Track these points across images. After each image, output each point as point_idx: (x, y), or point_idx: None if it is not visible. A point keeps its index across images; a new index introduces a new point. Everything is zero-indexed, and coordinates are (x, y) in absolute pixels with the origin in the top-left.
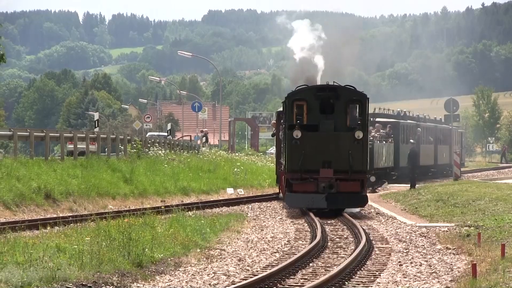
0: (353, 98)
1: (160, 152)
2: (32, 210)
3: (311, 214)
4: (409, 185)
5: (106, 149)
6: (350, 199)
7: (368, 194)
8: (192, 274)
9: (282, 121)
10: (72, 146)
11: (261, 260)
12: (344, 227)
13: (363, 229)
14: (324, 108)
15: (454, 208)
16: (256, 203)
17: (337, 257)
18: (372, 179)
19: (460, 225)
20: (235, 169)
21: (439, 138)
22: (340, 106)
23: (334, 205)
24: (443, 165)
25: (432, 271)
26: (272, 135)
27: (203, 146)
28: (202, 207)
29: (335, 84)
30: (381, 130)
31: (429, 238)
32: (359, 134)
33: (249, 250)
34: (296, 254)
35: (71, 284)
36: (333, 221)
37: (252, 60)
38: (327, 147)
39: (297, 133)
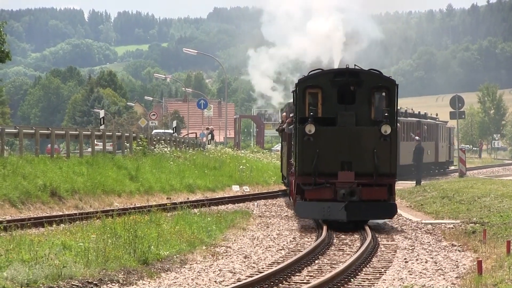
0: (379, 84)
1: (165, 149)
2: (37, 208)
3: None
4: (415, 182)
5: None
6: (375, 209)
7: None
8: (198, 272)
9: (292, 114)
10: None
11: (267, 257)
12: (350, 224)
13: (369, 226)
14: (343, 97)
15: (460, 205)
16: (262, 200)
17: (343, 254)
18: None
19: (465, 222)
20: (241, 167)
21: (422, 134)
22: (363, 94)
23: (356, 216)
24: (428, 164)
25: (438, 268)
26: (277, 130)
27: (208, 144)
28: (207, 204)
29: (356, 67)
30: None
31: (435, 235)
32: (386, 129)
33: (254, 247)
34: (301, 251)
35: (76, 282)
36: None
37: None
38: (347, 145)
39: (310, 128)
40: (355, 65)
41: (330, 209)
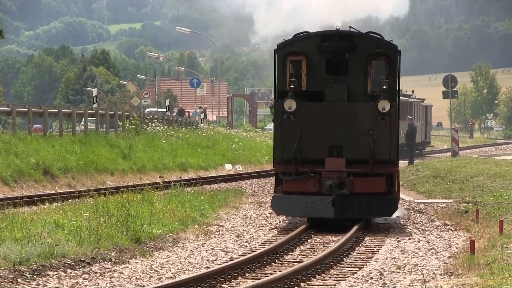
0: (377, 51)
1: (158, 128)
2: (30, 186)
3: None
4: (407, 161)
5: (104, 125)
6: (370, 205)
7: None
8: (191, 250)
9: None
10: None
11: (259, 236)
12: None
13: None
14: (333, 67)
15: (453, 184)
16: (255, 179)
17: (335, 233)
18: None
19: (458, 202)
20: (233, 145)
21: None
22: (358, 63)
23: (345, 213)
24: (400, 145)
25: (430, 248)
26: (271, 107)
27: (201, 122)
28: (200, 183)
29: (351, 29)
30: None
31: (428, 214)
32: (384, 106)
33: (247, 226)
34: (294, 230)
35: (69, 260)
36: None
37: (250, 36)
38: (337, 125)
39: (290, 104)
40: (350, 27)
41: (314, 205)
